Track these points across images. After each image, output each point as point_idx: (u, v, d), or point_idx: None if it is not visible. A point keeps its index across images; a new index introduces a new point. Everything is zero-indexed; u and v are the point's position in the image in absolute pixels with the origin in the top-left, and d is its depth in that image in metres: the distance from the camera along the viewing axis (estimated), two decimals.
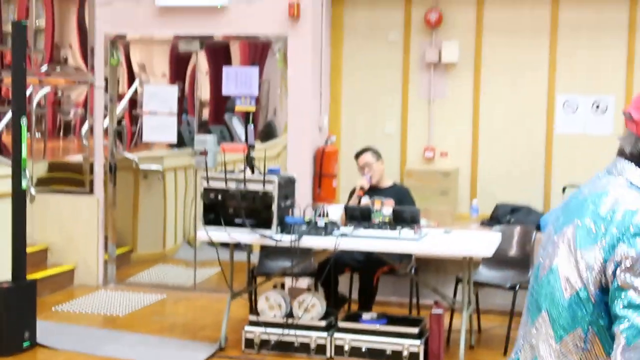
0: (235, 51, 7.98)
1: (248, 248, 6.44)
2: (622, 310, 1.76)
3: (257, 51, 7.92)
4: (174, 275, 8.05)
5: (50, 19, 8.26)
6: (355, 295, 6.74)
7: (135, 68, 8.27)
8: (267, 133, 7.98)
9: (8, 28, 8.22)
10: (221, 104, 8.17)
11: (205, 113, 8.32)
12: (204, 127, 8.06)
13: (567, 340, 1.87)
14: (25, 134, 5.94)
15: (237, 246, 6.34)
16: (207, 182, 5.99)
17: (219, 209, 5.95)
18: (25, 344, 5.88)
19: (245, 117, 7.75)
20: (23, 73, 6.02)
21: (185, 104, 8.09)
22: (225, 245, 6.40)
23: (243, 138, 7.61)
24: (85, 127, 7.96)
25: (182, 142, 8.15)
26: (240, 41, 7.82)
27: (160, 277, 8.05)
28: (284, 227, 5.90)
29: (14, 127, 5.96)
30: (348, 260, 6.49)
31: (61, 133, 8.57)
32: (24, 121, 5.93)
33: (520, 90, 7.63)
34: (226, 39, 7.78)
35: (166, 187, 8.37)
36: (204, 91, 8.11)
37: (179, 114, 7.96)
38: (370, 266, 6.40)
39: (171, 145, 8.32)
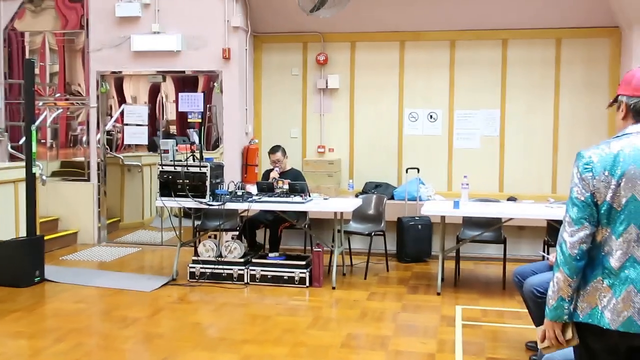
0: (188, 82, 8.15)
1: (193, 213, 6.57)
2: None
3: (204, 82, 8.06)
4: (149, 236, 8.18)
5: (62, 63, 8.32)
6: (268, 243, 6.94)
7: (121, 95, 8.38)
8: (217, 144, 8.11)
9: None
10: (185, 122, 8.30)
11: (173, 128, 8.47)
12: (172, 137, 8.14)
13: None
14: (34, 136, 6.04)
15: (188, 215, 6.50)
16: (162, 167, 6.17)
17: (170, 185, 6.09)
18: (36, 279, 5.97)
19: (200, 130, 7.95)
20: (32, 95, 6.10)
21: (157, 122, 8.25)
22: (186, 215, 6.57)
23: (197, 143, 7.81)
24: (84, 137, 8.10)
25: (155, 147, 8.27)
26: (191, 76, 7.95)
27: (139, 238, 8.17)
28: (215, 197, 6.08)
29: (27, 132, 6.05)
30: (262, 219, 6.75)
31: (71, 143, 8.61)
32: (33, 127, 6.06)
33: (380, 106, 7.89)
34: (180, 74, 7.91)
35: (144, 177, 8.47)
36: (170, 112, 8.24)
37: (152, 127, 8.13)
38: (276, 223, 6.64)
39: (148, 149, 8.45)
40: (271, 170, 6.86)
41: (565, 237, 2.21)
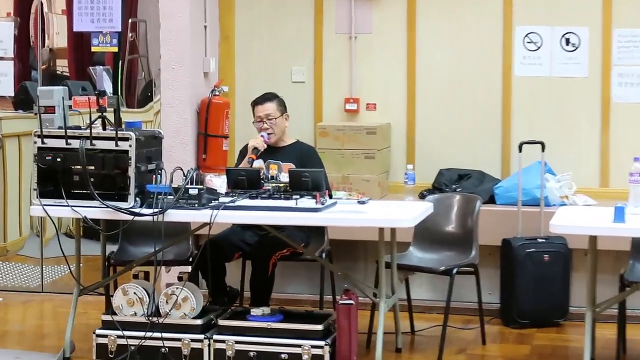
0: None
1: (104, 231, 6.51)
2: None
3: None
4: (16, 275, 8.24)
5: None
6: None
7: None
8: (148, 96, 8.13)
9: None
10: (86, 53, 8.28)
11: (63, 65, 8.48)
12: (61, 83, 8.14)
13: None
14: None
15: (96, 234, 6.49)
16: (42, 140, 6.09)
17: (58, 175, 6.05)
18: None
19: (116, 68, 7.94)
20: None
21: (31, 53, 8.26)
22: (90, 235, 6.64)
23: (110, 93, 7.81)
24: None
25: (28, 102, 8.31)
26: None
27: None
28: (145, 198, 6.02)
29: None
30: (237, 243, 6.72)
31: None
32: None
33: (468, 23, 7.84)
34: None
35: (6, 159, 8.51)
36: (56, 33, 8.26)
37: (23, 63, 8.16)
38: (263, 249, 6.60)
39: (15, 106, 8.47)
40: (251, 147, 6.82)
41: None
